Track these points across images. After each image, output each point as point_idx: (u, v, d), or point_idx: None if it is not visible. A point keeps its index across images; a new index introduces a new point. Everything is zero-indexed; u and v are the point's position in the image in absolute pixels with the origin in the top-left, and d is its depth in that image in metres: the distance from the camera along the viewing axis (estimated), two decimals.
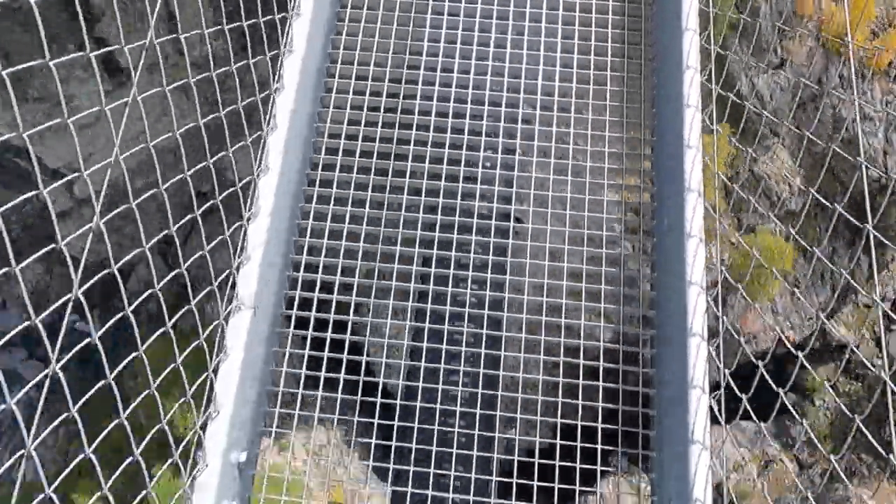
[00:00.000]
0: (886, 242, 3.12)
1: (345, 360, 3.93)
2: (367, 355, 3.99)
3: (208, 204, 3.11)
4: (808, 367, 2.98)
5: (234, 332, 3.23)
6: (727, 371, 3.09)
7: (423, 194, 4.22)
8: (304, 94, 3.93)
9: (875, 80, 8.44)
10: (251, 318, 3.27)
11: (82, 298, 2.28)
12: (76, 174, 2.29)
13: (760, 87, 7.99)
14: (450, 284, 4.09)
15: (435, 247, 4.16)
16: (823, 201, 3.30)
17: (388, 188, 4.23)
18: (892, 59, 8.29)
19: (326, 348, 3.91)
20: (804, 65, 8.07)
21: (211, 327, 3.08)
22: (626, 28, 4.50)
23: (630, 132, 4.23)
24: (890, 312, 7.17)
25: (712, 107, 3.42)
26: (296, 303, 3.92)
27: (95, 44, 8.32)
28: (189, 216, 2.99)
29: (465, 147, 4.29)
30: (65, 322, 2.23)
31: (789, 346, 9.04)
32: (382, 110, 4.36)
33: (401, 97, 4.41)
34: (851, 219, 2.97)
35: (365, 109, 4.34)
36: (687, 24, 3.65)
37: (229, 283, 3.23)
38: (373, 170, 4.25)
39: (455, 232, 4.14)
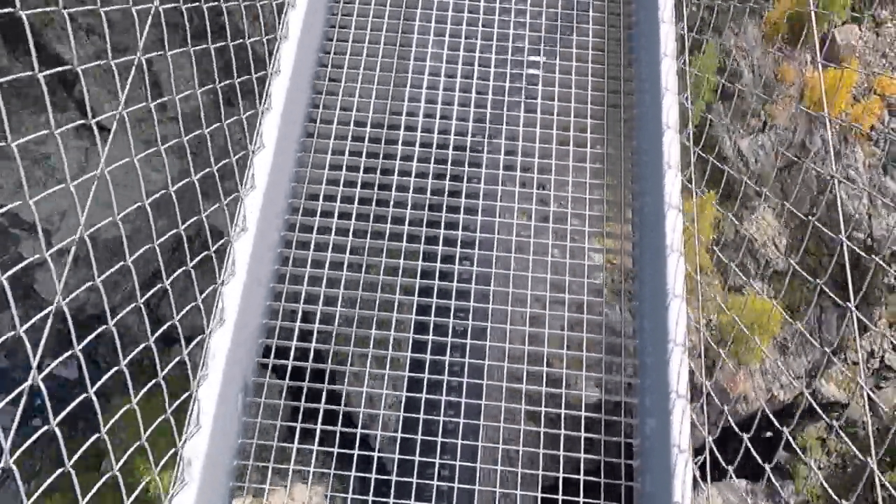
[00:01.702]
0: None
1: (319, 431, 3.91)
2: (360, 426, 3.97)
3: (198, 258, 3.13)
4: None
5: (206, 402, 3.22)
6: (710, 438, 3.09)
7: (402, 257, 4.24)
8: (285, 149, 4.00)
9: (858, 143, 8.61)
10: (221, 384, 3.27)
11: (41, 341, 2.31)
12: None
13: (744, 150, 8.14)
14: (428, 352, 4.07)
15: (414, 312, 4.17)
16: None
17: (365, 251, 4.25)
18: (874, 124, 8.46)
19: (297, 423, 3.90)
20: (787, 128, 8.23)
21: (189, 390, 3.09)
22: (606, 90, 4.60)
23: (611, 195, 4.29)
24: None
25: (691, 169, 3.49)
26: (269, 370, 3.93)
27: (75, 105, 8.45)
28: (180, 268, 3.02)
29: (444, 209, 4.34)
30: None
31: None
32: (361, 172, 4.42)
33: (380, 159, 4.47)
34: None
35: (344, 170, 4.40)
36: (667, 86, 3.75)
37: (203, 350, 3.24)
38: (351, 231, 4.29)
39: (434, 296, 4.15)
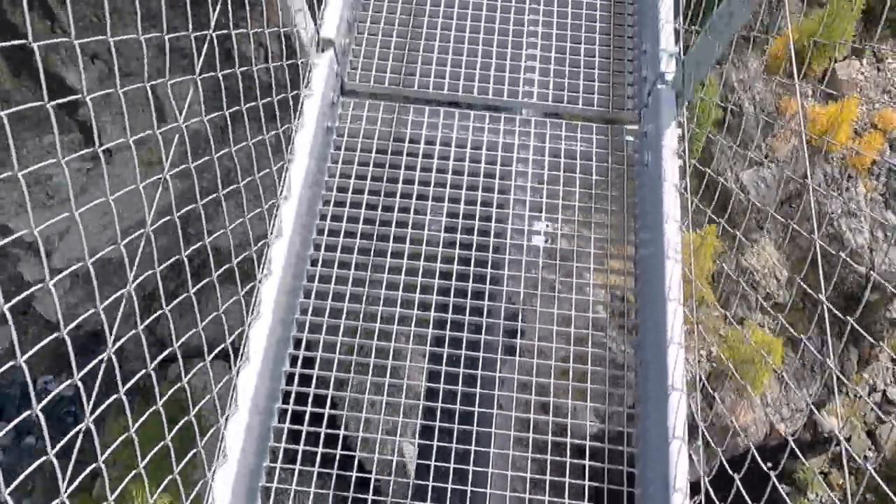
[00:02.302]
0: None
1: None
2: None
3: (230, 301, 3.12)
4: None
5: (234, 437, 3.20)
6: (706, 476, 3.07)
7: (420, 275, 4.26)
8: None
9: (859, 178, 8.63)
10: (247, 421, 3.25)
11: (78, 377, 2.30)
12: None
13: (745, 182, 8.17)
14: (444, 364, 4.08)
15: (431, 326, 4.17)
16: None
17: (384, 284, 4.26)
18: (875, 159, 8.50)
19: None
20: (788, 161, 8.27)
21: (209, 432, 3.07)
22: (611, 148, 4.63)
23: (614, 220, 4.31)
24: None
25: (688, 219, 3.52)
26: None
27: (77, 126, 8.52)
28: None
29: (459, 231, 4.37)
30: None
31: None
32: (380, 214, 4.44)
33: (401, 169, 4.49)
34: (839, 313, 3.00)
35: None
36: (664, 142, 3.78)
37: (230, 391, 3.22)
38: (370, 265, 4.30)
39: (451, 312, 4.16)
